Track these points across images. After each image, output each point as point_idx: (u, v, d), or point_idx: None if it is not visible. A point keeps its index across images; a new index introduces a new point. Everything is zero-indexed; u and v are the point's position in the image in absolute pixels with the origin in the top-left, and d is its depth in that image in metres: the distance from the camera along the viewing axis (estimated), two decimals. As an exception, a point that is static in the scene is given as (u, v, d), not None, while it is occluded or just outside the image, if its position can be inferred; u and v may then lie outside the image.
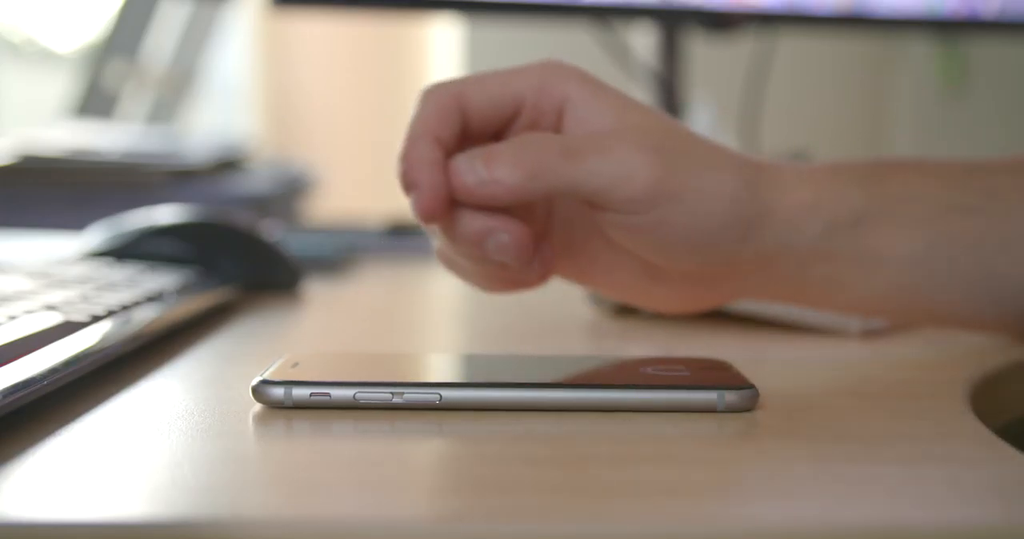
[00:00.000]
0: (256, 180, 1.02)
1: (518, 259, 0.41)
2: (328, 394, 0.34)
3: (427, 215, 0.39)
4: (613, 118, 0.41)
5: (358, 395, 0.34)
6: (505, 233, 0.40)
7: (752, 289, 0.44)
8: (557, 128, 0.42)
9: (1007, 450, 0.31)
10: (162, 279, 0.52)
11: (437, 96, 0.41)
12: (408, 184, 0.39)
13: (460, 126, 0.41)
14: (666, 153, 0.40)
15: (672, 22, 1.04)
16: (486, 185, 0.39)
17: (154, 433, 0.32)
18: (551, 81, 0.42)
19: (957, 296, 0.43)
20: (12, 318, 0.38)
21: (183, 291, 0.51)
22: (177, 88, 1.87)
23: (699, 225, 0.40)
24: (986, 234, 0.43)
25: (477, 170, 0.39)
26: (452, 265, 0.44)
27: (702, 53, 1.20)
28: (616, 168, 0.39)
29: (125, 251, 0.59)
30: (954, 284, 0.43)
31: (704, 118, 0.99)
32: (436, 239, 0.43)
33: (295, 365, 0.36)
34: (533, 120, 0.42)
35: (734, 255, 0.42)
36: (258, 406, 0.35)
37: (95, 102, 1.66)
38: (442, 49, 2.24)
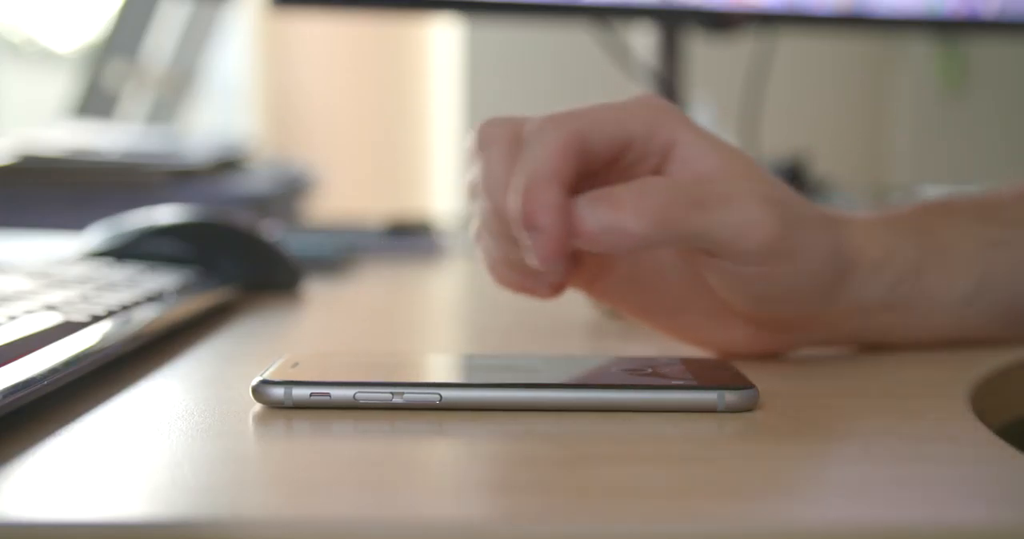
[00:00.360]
0: (256, 180, 1.02)
1: (549, 267, 0.38)
2: (328, 394, 0.34)
3: (549, 261, 0.37)
4: (718, 162, 0.40)
5: (358, 395, 0.34)
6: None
7: (816, 340, 0.45)
8: (659, 169, 0.41)
9: (1007, 450, 0.31)
10: (162, 279, 0.52)
11: (558, 134, 0.39)
12: (530, 226, 0.37)
13: (581, 166, 0.39)
14: (781, 207, 0.40)
15: (672, 22, 1.04)
16: (610, 233, 0.37)
17: (154, 433, 0.32)
18: (661, 123, 0.40)
19: (996, 324, 0.46)
20: (12, 318, 0.38)
21: (183, 291, 0.51)
22: (177, 88, 1.87)
23: (801, 280, 0.41)
24: (1018, 264, 0.46)
25: (601, 217, 0.37)
26: (479, 240, 0.44)
27: (702, 53, 1.19)
28: (741, 220, 0.39)
29: (125, 251, 0.59)
30: (994, 314, 0.46)
31: (704, 118, 0.99)
32: (477, 216, 0.42)
33: (295, 365, 0.36)
34: (638, 160, 0.41)
35: (817, 309, 0.43)
36: (258, 406, 0.35)
37: (95, 102, 1.66)
38: (442, 49, 2.24)
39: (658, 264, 0.44)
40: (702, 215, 0.38)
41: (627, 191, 0.38)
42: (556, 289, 0.43)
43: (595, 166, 0.40)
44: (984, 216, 0.47)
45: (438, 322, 0.62)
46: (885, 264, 0.43)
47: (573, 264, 0.43)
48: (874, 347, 0.46)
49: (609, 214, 0.37)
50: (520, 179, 0.38)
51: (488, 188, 0.40)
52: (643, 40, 1.10)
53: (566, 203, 0.37)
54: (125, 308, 0.44)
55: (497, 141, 0.41)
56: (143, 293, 0.47)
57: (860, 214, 0.45)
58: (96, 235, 0.61)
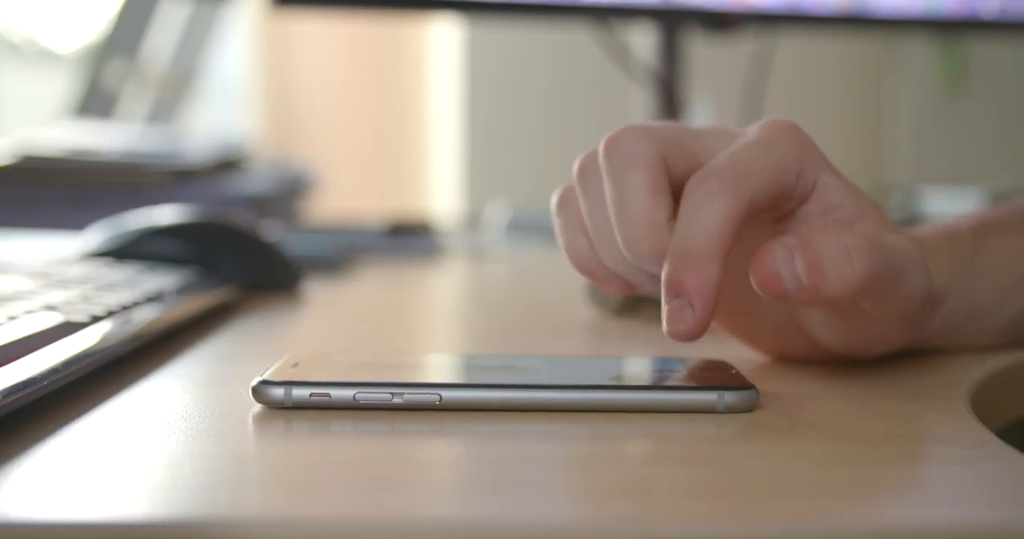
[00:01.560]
0: (256, 180, 1.02)
1: (683, 340, 0.37)
2: (328, 394, 0.34)
3: (689, 337, 0.36)
4: (853, 206, 0.39)
5: (358, 395, 0.34)
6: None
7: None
8: (800, 206, 0.39)
9: (1007, 450, 0.31)
10: (162, 279, 0.52)
11: (728, 202, 0.36)
12: (678, 296, 0.36)
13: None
14: (926, 259, 0.39)
15: (672, 22, 1.04)
16: (803, 293, 0.35)
17: (154, 433, 0.32)
18: (807, 167, 0.39)
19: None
20: (12, 318, 0.38)
21: (183, 291, 0.51)
22: (177, 88, 1.87)
23: (904, 322, 0.41)
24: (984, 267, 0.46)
25: (799, 276, 0.35)
26: (570, 235, 0.42)
27: (702, 53, 1.20)
28: (917, 281, 0.38)
29: (125, 251, 0.59)
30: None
31: (704, 118, 0.99)
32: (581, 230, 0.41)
33: (295, 365, 0.36)
34: (785, 202, 0.39)
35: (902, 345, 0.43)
36: (258, 406, 0.35)
37: (95, 102, 1.66)
38: (442, 49, 2.24)
39: (736, 271, 0.40)
40: (896, 278, 0.37)
41: (827, 251, 0.35)
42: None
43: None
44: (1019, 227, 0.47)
45: (438, 322, 0.62)
46: (945, 300, 0.44)
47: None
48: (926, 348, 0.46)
49: (806, 275, 0.35)
50: (680, 239, 0.36)
51: (622, 219, 0.38)
52: (643, 40, 1.10)
53: (722, 280, 0.36)
54: (125, 308, 0.44)
55: (640, 164, 0.38)
56: (143, 293, 0.47)
57: (921, 232, 0.45)
58: (96, 235, 0.61)
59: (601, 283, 0.42)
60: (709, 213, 0.36)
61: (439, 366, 0.40)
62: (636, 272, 0.40)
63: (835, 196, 0.39)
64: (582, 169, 0.40)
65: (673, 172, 0.39)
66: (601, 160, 0.39)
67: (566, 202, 0.41)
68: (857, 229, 0.39)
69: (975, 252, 0.45)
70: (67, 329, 0.38)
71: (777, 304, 0.41)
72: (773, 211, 0.39)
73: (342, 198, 1.78)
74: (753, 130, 0.39)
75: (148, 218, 0.61)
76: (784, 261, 0.35)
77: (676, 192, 0.38)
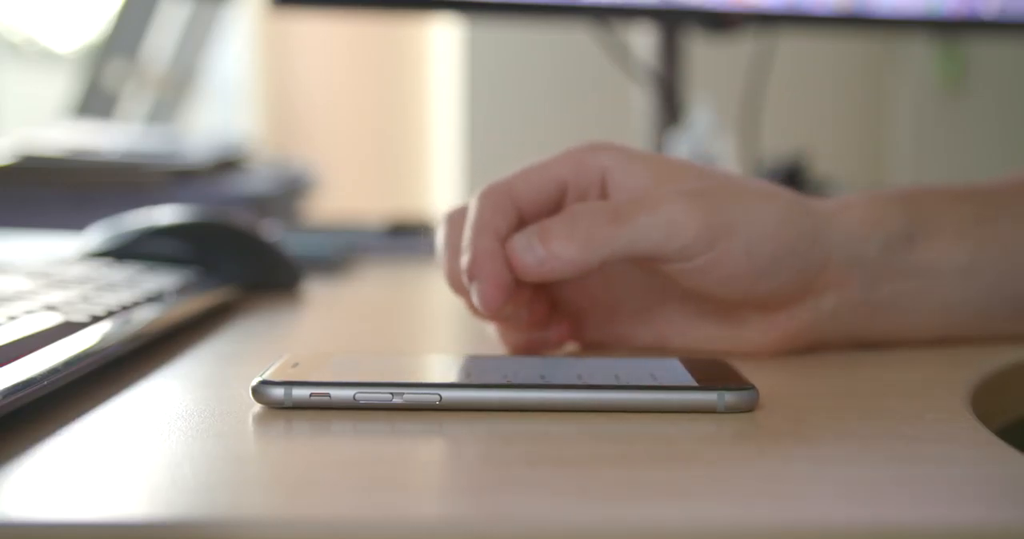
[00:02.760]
0: (256, 180, 1.02)
1: (493, 313, 0.43)
2: (328, 394, 0.34)
3: (490, 304, 0.41)
4: (651, 178, 0.43)
5: (358, 395, 0.34)
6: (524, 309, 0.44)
7: (830, 320, 0.45)
8: (602, 199, 0.44)
9: (1007, 450, 0.31)
10: (162, 279, 0.52)
11: (491, 194, 0.43)
12: (471, 275, 0.42)
13: (516, 217, 0.43)
14: (707, 196, 0.42)
15: (672, 22, 1.04)
16: (545, 262, 0.41)
17: (154, 433, 0.32)
18: (586, 158, 0.44)
19: (996, 304, 0.46)
20: (12, 318, 0.38)
21: (183, 291, 0.51)
22: (177, 88, 1.87)
23: (759, 250, 0.42)
24: (1010, 241, 0.46)
25: (535, 249, 0.41)
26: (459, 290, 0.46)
27: (702, 53, 1.20)
28: (663, 221, 0.41)
29: (125, 251, 0.59)
30: (994, 293, 0.46)
31: (704, 118, 0.99)
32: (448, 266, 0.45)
33: (295, 365, 0.36)
34: (579, 197, 0.44)
35: (804, 271, 0.43)
36: (258, 406, 0.35)
37: (95, 102, 1.66)
38: (442, 49, 2.24)
39: (655, 291, 0.45)
40: (624, 228, 0.41)
41: (555, 220, 0.42)
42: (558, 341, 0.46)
43: (538, 212, 0.43)
44: (968, 197, 0.47)
45: (438, 322, 0.62)
46: (873, 223, 0.44)
47: (565, 322, 0.46)
48: (885, 341, 0.46)
49: (541, 246, 0.41)
50: (464, 240, 0.43)
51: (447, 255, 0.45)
52: (643, 40, 1.10)
53: (499, 250, 0.42)
54: (125, 308, 0.44)
55: (450, 221, 0.45)
56: (143, 293, 0.47)
57: (845, 196, 0.46)
58: (96, 235, 0.61)
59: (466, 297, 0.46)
60: (476, 209, 0.43)
61: (439, 366, 0.40)
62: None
63: (629, 177, 0.43)
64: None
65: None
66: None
67: (454, 218, 0.46)
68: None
69: (910, 198, 0.46)
70: (67, 329, 0.38)
71: (680, 307, 0.45)
72: (578, 202, 0.43)
73: (342, 198, 1.78)
74: None
75: (148, 218, 0.61)
76: (523, 241, 0.41)
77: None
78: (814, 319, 0.44)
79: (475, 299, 0.42)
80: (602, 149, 0.44)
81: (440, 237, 0.45)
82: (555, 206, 0.44)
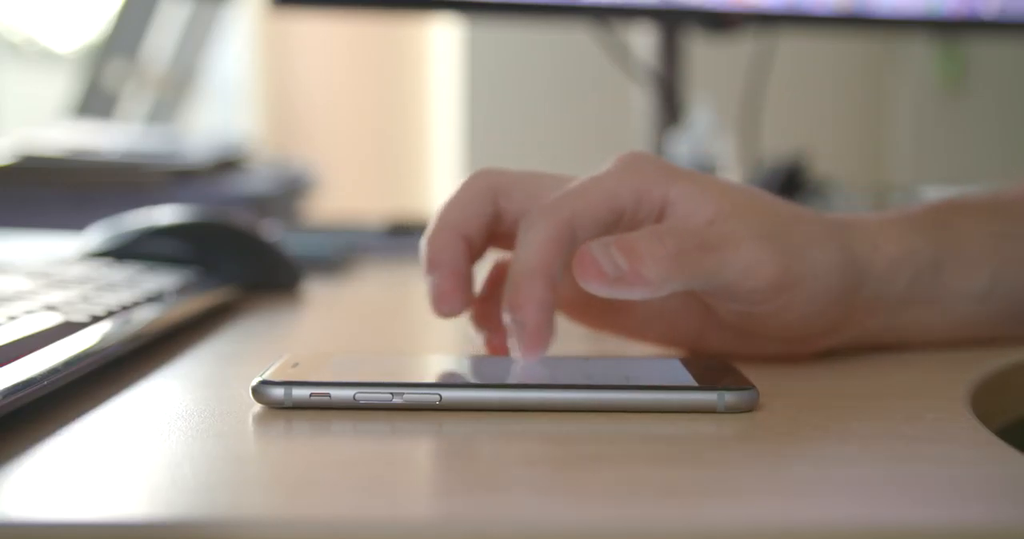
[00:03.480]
0: (256, 180, 1.02)
1: (530, 358, 0.40)
2: (328, 394, 0.34)
3: (533, 352, 0.39)
4: (713, 207, 0.41)
5: (358, 395, 0.34)
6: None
7: (844, 341, 0.44)
8: (658, 222, 0.41)
9: (1007, 450, 0.31)
10: (162, 279, 0.52)
11: (548, 224, 0.39)
12: (517, 318, 0.39)
13: (571, 250, 0.40)
14: (783, 241, 0.41)
15: (672, 22, 1.04)
16: (625, 280, 0.38)
17: (154, 433, 0.32)
18: (648, 188, 0.41)
19: (1010, 322, 0.46)
20: (12, 318, 0.38)
21: (183, 291, 0.51)
22: (177, 88, 1.87)
23: (816, 303, 0.41)
24: None
25: (618, 263, 0.38)
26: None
27: (702, 53, 1.19)
28: (744, 260, 0.39)
29: (125, 251, 0.59)
30: (1008, 308, 0.46)
31: (704, 118, 0.99)
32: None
33: (295, 365, 0.36)
34: (634, 225, 0.41)
35: (838, 319, 0.43)
36: (258, 406, 0.35)
37: (95, 102, 1.66)
38: (442, 49, 2.24)
39: (676, 298, 0.44)
40: (712, 257, 0.39)
41: (640, 238, 0.39)
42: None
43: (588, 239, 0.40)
44: (993, 212, 0.47)
45: (438, 322, 0.62)
46: (903, 259, 0.44)
47: (579, 305, 0.45)
48: (895, 347, 0.46)
49: (626, 262, 0.38)
50: (511, 268, 0.39)
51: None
52: (643, 40, 1.10)
53: (551, 297, 0.39)
54: (125, 308, 0.44)
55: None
56: (143, 293, 0.47)
57: (872, 215, 0.46)
58: (96, 235, 0.61)
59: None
60: (530, 240, 0.39)
61: (439, 366, 0.40)
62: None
63: (691, 205, 0.41)
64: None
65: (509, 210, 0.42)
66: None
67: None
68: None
69: (938, 223, 0.45)
70: (67, 329, 0.38)
71: (698, 317, 0.44)
72: (623, 230, 0.41)
73: (342, 198, 1.78)
74: (602, 166, 0.42)
75: (148, 218, 0.61)
76: (602, 251, 0.38)
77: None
78: (830, 347, 0.44)
79: (516, 336, 0.39)
80: (666, 176, 0.41)
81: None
82: (607, 232, 0.41)
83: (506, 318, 0.39)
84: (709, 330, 0.44)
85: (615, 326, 0.46)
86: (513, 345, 0.39)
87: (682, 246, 0.39)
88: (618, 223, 0.41)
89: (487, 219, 0.42)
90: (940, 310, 0.45)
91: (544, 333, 0.39)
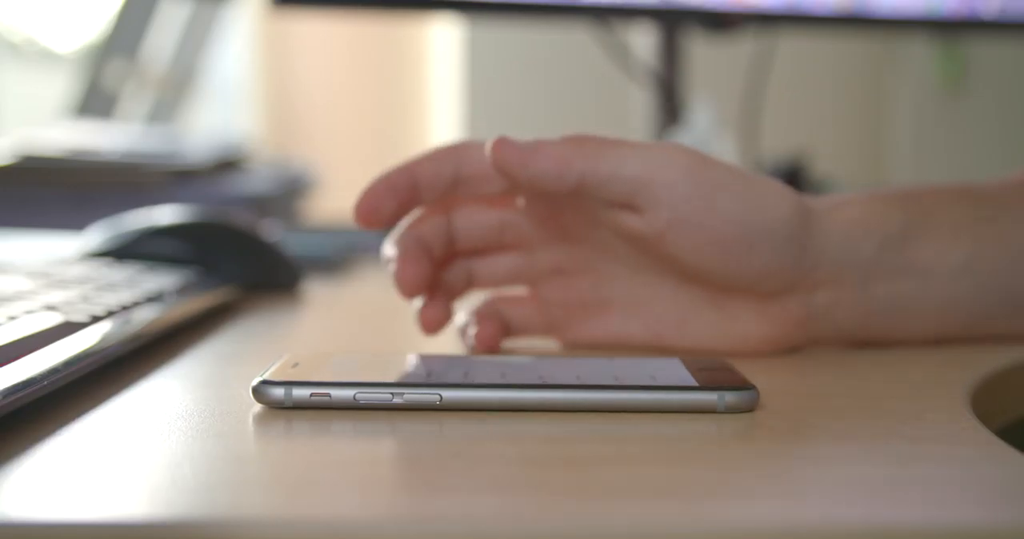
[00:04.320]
0: (256, 180, 1.02)
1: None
2: (328, 394, 0.34)
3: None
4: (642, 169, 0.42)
5: (358, 395, 0.34)
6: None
7: (824, 318, 0.44)
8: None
9: (1007, 450, 0.31)
10: (162, 279, 0.52)
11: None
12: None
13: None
14: (704, 157, 0.42)
15: (672, 22, 1.04)
16: (533, 150, 0.41)
17: (154, 433, 0.32)
18: (586, 160, 0.42)
19: (994, 305, 0.46)
20: (12, 318, 0.38)
21: (183, 291, 0.51)
22: (177, 88, 1.87)
23: (732, 220, 0.41)
24: (1010, 240, 0.46)
25: (524, 142, 0.41)
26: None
27: (702, 53, 1.20)
28: (652, 156, 0.41)
29: (125, 251, 0.59)
30: (990, 292, 0.45)
31: (704, 118, 0.99)
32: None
33: (295, 365, 0.36)
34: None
35: (785, 259, 0.42)
36: (258, 406, 0.35)
37: (95, 102, 1.66)
38: (442, 49, 2.24)
39: (648, 286, 0.45)
40: (615, 150, 0.41)
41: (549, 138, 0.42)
42: (489, 343, 0.46)
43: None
44: (967, 195, 0.47)
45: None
46: (867, 223, 0.44)
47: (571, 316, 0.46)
48: (882, 341, 0.46)
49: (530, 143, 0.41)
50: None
51: None
52: (643, 40, 1.10)
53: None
54: (125, 308, 0.44)
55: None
56: (143, 293, 0.47)
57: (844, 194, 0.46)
58: (96, 235, 0.61)
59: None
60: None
61: (439, 366, 0.40)
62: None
63: (627, 170, 0.42)
64: None
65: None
66: None
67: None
68: None
69: (908, 196, 0.46)
70: (67, 329, 0.38)
71: (698, 297, 0.44)
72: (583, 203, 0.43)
73: (342, 198, 1.77)
74: None
75: (148, 218, 0.61)
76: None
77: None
78: (807, 314, 0.44)
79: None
80: (595, 153, 0.42)
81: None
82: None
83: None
84: (689, 312, 0.45)
85: (596, 330, 0.46)
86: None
87: (587, 140, 0.41)
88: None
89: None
90: (918, 287, 0.45)
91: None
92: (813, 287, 0.44)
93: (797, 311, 0.44)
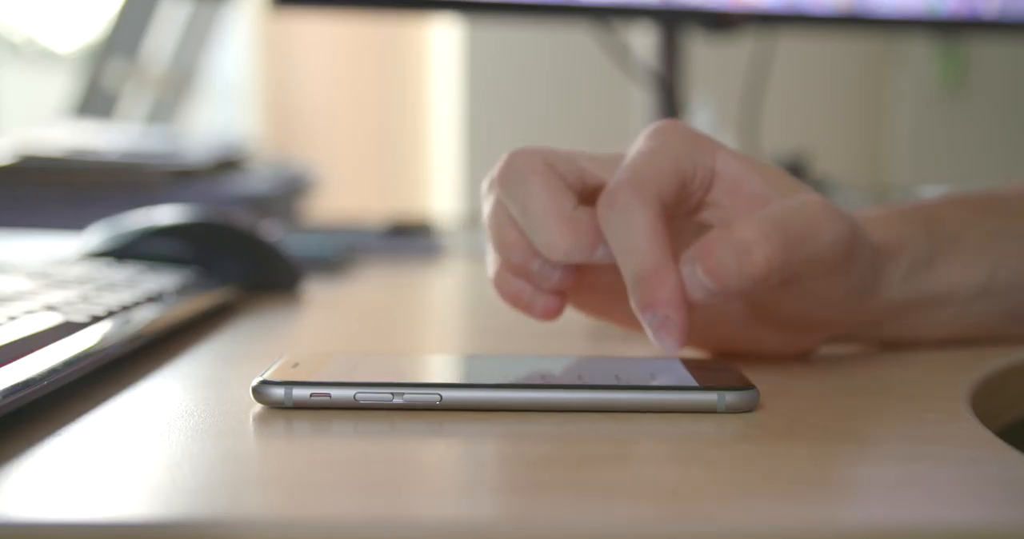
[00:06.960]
0: (256, 180, 1.02)
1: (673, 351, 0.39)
2: (328, 394, 0.34)
3: (681, 346, 0.38)
4: (756, 177, 0.41)
5: (358, 395, 0.34)
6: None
7: (839, 337, 0.44)
8: (706, 197, 0.41)
9: (1007, 450, 0.31)
10: (162, 279, 0.52)
11: (644, 206, 0.38)
12: (654, 311, 0.37)
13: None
14: (839, 209, 0.40)
15: (672, 22, 1.04)
16: (715, 296, 0.38)
17: (154, 433, 0.32)
18: (702, 158, 0.40)
19: (1009, 320, 0.46)
20: (12, 318, 0.38)
21: (183, 291, 0.51)
22: (177, 88, 1.87)
23: (852, 282, 0.41)
24: None
25: (706, 285, 0.37)
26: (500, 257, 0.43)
27: (702, 53, 1.19)
28: (833, 233, 0.39)
29: (125, 251, 0.59)
30: (1005, 307, 0.46)
31: (704, 118, 0.99)
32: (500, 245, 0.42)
33: (295, 365, 0.36)
34: (688, 196, 0.40)
35: (856, 306, 0.42)
36: (258, 406, 0.35)
37: (95, 102, 1.66)
38: (442, 49, 2.24)
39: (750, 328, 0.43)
40: (797, 251, 0.38)
41: (719, 248, 0.37)
42: (554, 312, 0.43)
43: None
44: (990, 209, 0.47)
45: (438, 322, 0.62)
46: (900, 250, 0.43)
47: (583, 290, 0.44)
48: (889, 344, 0.46)
49: (709, 281, 0.37)
50: (629, 266, 0.38)
51: (530, 222, 0.40)
52: (643, 40, 1.10)
53: (681, 285, 0.37)
54: (125, 308, 0.44)
55: (531, 172, 0.40)
56: (143, 293, 0.47)
57: (867, 210, 0.45)
58: (96, 235, 0.61)
59: (528, 308, 0.43)
60: (635, 228, 0.37)
61: (439, 366, 0.40)
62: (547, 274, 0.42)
63: (737, 173, 0.40)
64: (487, 190, 0.42)
65: (565, 180, 0.40)
66: (497, 187, 0.41)
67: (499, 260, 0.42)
68: (762, 209, 0.39)
69: (932, 217, 0.45)
70: (67, 329, 0.38)
71: (730, 307, 0.43)
72: (683, 205, 0.40)
73: (342, 198, 1.78)
74: (640, 140, 0.41)
75: (148, 218, 0.61)
76: (690, 271, 0.37)
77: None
78: (827, 336, 0.44)
79: (657, 335, 0.38)
80: (712, 147, 0.40)
81: (527, 193, 0.40)
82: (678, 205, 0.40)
83: (643, 316, 0.38)
84: (715, 315, 0.43)
85: (619, 314, 0.44)
86: (655, 338, 0.38)
87: (776, 249, 0.38)
88: (684, 192, 0.40)
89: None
90: (936, 306, 0.45)
91: (688, 322, 0.37)
92: (844, 314, 0.43)
93: (818, 341, 0.44)
